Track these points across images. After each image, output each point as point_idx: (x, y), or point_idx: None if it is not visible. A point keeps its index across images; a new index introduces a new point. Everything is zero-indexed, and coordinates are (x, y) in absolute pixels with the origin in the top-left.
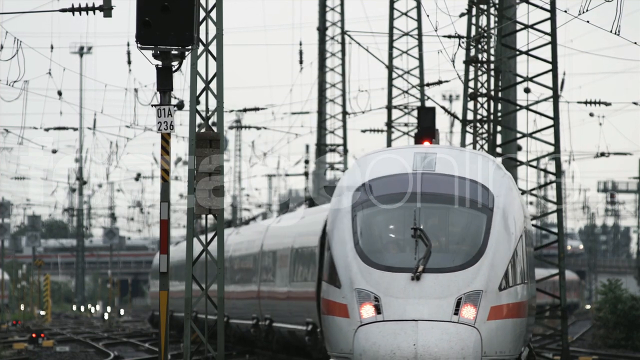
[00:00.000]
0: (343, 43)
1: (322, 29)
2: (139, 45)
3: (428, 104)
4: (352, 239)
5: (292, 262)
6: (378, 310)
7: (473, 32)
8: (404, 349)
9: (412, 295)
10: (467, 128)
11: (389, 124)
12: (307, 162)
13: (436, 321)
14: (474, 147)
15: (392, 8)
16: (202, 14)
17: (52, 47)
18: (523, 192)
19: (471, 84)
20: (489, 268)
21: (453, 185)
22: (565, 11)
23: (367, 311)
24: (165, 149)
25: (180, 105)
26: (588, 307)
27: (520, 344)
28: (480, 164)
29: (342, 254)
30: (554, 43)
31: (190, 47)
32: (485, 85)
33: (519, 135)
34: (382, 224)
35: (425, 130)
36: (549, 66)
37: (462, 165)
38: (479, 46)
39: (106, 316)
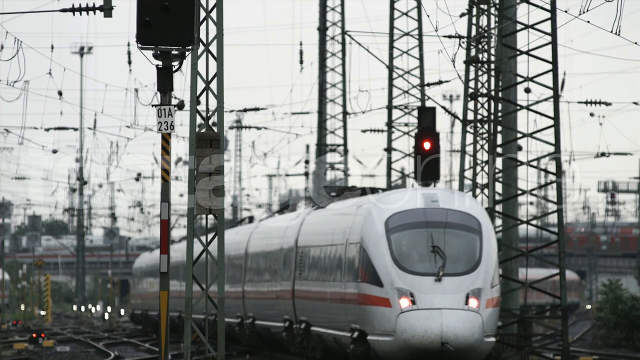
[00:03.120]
0: (343, 43)
1: (322, 29)
2: (140, 45)
3: (428, 104)
4: (389, 253)
5: (228, 268)
6: (413, 302)
7: (473, 32)
8: (433, 328)
9: (436, 291)
10: (468, 128)
11: (389, 124)
12: (307, 162)
13: (454, 309)
14: (474, 147)
15: (392, 8)
16: (202, 14)
17: (52, 47)
18: (523, 192)
19: (471, 84)
20: (484, 272)
21: (454, 216)
22: (566, 11)
23: (405, 303)
24: (166, 149)
25: (180, 105)
26: (588, 307)
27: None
28: (467, 200)
29: (383, 264)
30: (554, 43)
31: (190, 47)
32: (486, 85)
33: (519, 135)
34: (410, 243)
35: (426, 130)
36: (550, 66)
37: (456, 201)
38: (479, 46)
39: (106, 316)
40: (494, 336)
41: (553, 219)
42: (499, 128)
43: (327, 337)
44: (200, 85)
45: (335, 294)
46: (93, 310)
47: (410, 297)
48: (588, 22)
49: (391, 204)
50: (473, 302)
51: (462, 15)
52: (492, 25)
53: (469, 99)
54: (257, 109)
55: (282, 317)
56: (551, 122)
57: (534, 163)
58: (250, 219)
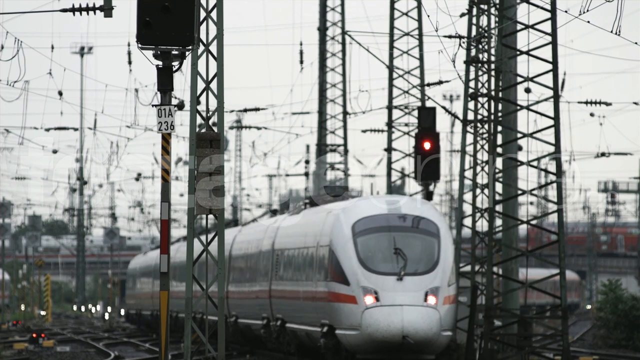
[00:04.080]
0: (343, 43)
1: (322, 29)
2: (140, 45)
3: (428, 104)
4: (355, 255)
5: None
6: (377, 299)
7: (473, 32)
8: (395, 323)
9: (398, 289)
10: (468, 128)
11: (390, 124)
12: (307, 162)
13: (414, 306)
14: (475, 147)
15: (392, 8)
16: (203, 14)
17: (52, 47)
18: (523, 192)
19: (472, 84)
20: (442, 272)
21: (415, 221)
22: (566, 11)
23: (370, 300)
24: (166, 149)
25: (180, 106)
26: (589, 307)
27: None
28: (427, 207)
29: (349, 264)
30: (554, 43)
31: (190, 47)
32: (486, 85)
33: (519, 135)
34: (374, 245)
35: (426, 130)
36: (550, 66)
37: (416, 208)
38: (480, 46)
39: (107, 316)
40: (451, 330)
41: (553, 218)
42: (499, 128)
43: (300, 333)
44: (200, 85)
45: (307, 292)
46: (93, 310)
47: (374, 294)
48: (588, 22)
49: (358, 210)
50: (431, 299)
51: (462, 15)
52: (492, 25)
53: (469, 99)
54: (257, 109)
55: (260, 316)
56: (551, 122)
57: (534, 163)
58: (235, 223)
